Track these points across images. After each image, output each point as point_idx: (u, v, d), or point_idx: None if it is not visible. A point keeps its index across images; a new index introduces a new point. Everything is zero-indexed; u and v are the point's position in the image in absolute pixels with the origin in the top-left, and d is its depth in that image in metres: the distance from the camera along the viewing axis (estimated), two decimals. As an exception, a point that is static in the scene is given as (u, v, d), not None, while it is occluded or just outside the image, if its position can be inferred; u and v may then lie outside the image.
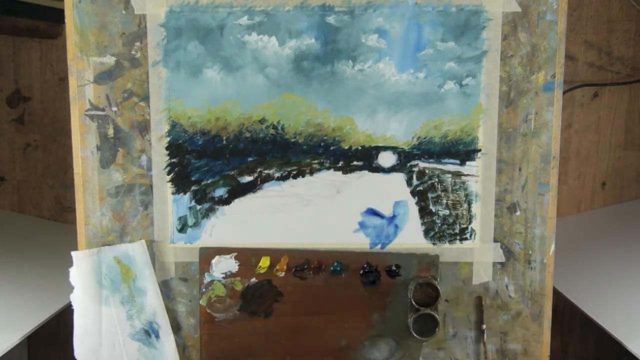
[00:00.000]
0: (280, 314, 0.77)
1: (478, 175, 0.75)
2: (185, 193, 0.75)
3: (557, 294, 0.95)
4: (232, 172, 0.75)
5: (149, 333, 0.76)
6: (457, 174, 0.75)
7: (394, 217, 0.76)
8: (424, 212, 0.76)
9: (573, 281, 1.11)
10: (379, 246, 0.76)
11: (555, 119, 0.75)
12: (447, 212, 0.76)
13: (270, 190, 0.76)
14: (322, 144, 0.75)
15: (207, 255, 0.76)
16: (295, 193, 0.76)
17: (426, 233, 0.76)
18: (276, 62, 0.73)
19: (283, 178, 0.75)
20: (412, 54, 0.73)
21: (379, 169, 0.75)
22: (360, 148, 0.75)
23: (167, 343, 0.76)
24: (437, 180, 0.76)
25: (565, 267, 1.14)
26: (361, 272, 0.76)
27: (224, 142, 0.75)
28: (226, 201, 0.76)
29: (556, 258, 0.77)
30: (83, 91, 0.74)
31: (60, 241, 1.32)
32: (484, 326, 0.77)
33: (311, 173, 0.75)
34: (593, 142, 1.45)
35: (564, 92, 1.37)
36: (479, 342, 0.78)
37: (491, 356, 0.78)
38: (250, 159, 0.75)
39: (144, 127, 0.74)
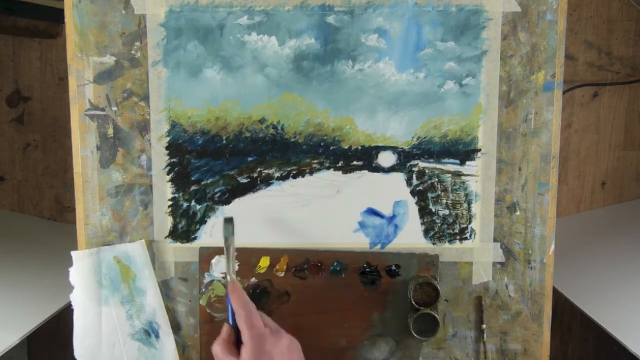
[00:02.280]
0: (280, 314, 0.77)
1: (478, 175, 0.75)
2: (185, 193, 0.76)
3: (557, 294, 0.95)
4: (232, 172, 0.75)
5: (149, 333, 0.76)
6: (457, 174, 0.75)
7: (394, 217, 0.76)
8: (424, 212, 0.76)
9: (573, 281, 1.11)
10: (379, 246, 0.76)
11: (555, 119, 0.75)
12: (447, 212, 0.76)
13: (270, 190, 0.76)
14: (322, 144, 0.75)
15: (207, 255, 0.76)
16: (295, 193, 0.76)
17: (426, 233, 0.76)
18: (276, 62, 0.74)
19: (283, 178, 0.75)
20: (412, 54, 0.73)
21: (379, 169, 0.75)
22: (360, 148, 0.75)
23: (167, 343, 0.76)
24: (437, 180, 0.76)
25: (565, 267, 1.14)
26: (361, 272, 0.76)
27: (224, 142, 0.75)
28: (226, 201, 0.76)
29: (556, 258, 0.77)
30: (83, 91, 0.74)
31: (60, 241, 1.32)
32: (484, 326, 0.77)
33: (311, 173, 0.75)
34: (593, 142, 1.45)
35: (564, 92, 1.37)
36: (479, 342, 0.78)
37: (491, 356, 0.78)
38: (250, 159, 0.75)
39: (144, 127, 0.75)
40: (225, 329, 0.64)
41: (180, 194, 0.75)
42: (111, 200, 0.75)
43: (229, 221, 0.67)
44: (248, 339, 0.60)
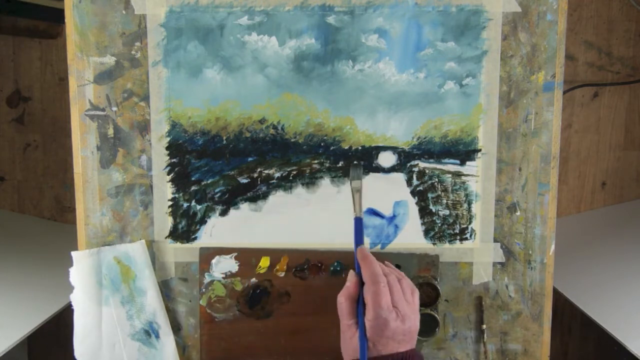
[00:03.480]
0: (280, 314, 0.77)
1: (478, 175, 0.75)
2: (185, 193, 0.76)
3: (557, 294, 0.95)
4: (232, 172, 0.75)
5: (149, 333, 0.76)
6: (457, 174, 0.75)
7: (394, 217, 0.76)
8: (424, 212, 0.76)
9: (573, 281, 1.11)
10: (379, 246, 0.76)
11: (555, 119, 0.75)
12: (447, 212, 0.76)
13: (270, 191, 0.76)
14: (322, 144, 0.75)
15: (207, 255, 0.76)
16: (296, 193, 0.76)
17: (426, 233, 0.76)
18: (276, 62, 0.74)
19: (283, 178, 0.75)
20: (412, 54, 0.73)
21: (379, 169, 0.75)
22: (360, 148, 0.75)
23: (167, 343, 0.76)
24: (437, 180, 0.76)
25: (565, 267, 1.14)
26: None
27: (224, 142, 0.75)
28: (226, 201, 0.76)
29: (556, 258, 0.77)
30: (83, 91, 0.74)
31: (60, 241, 1.32)
32: (484, 326, 0.77)
33: (311, 173, 0.75)
34: (593, 142, 1.45)
35: (564, 92, 1.37)
36: (479, 342, 0.78)
37: (491, 356, 0.78)
38: (250, 159, 0.75)
39: (144, 127, 0.75)
40: (352, 278, 0.63)
41: (180, 194, 0.75)
42: (111, 200, 0.75)
43: (357, 165, 0.71)
44: (371, 317, 0.59)
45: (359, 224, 0.67)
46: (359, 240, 0.66)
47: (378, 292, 0.59)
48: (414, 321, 0.61)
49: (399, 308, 0.60)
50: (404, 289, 0.63)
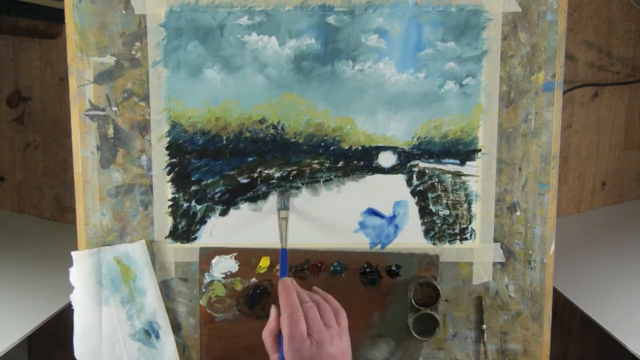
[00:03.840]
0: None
1: (478, 175, 0.75)
2: (185, 193, 0.76)
3: (557, 294, 0.95)
4: (232, 172, 0.75)
5: (149, 333, 0.76)
6: (457, 174, 0.75)
7: (394, 217, 0.76)
8: (424, 212, 0.76)
9: (573, 281, 1.11)
10: (379, 246, 0.76)
11: (555, 119, 0.75)
12: (447, 212, 0.76)
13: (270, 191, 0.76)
14: (322, 144, 0.75)
15: (207, 255, 0.76)
16: (296, 193, 0.76)
17: (426, 233, 0.76)
18: (276, 62, 0.74)
19: (283, 178, 0.75)
20: (412, 54, 0.73)
21: (379, 169, 0.75)
22: (360, 148, 0.75)
23: (167, 343, 0.76)
24: (437, 180, 0.76)
25: (565, 267, 1.14)
26: (361, 272, 0.76)
27: (224, 142, 0.75)
28: (226, 201, 0.76)
29: (556, 258, 0.77)
30: (83, 91, 0.74)
31: (60, 241, 1.32)
32: (484, 326, 0.77)
33: (311, 173, 0.75)
34: (593, 142, 1.45)
35: (564, 92, 1.37)
36: (479, 342, 0.78)
37: (491, 356, 0.78)
38: (250, 159, 0.75)
39: (144, 127, 0.75)
40: (273, 312, 0.64)
41: (180, 194, 0.75)
42: (111, 200, 0.75)
43: (282, 193, 0.70)
44: (286, 349, 0.60)
45: (284, 256, 0.69)
46: (283, 272, 0.68)
47: (290, 323, 0.60)
48: (337, 344, 0.61)
49: (313, 335, 0.61)
50: (322, 313, 0.63)
